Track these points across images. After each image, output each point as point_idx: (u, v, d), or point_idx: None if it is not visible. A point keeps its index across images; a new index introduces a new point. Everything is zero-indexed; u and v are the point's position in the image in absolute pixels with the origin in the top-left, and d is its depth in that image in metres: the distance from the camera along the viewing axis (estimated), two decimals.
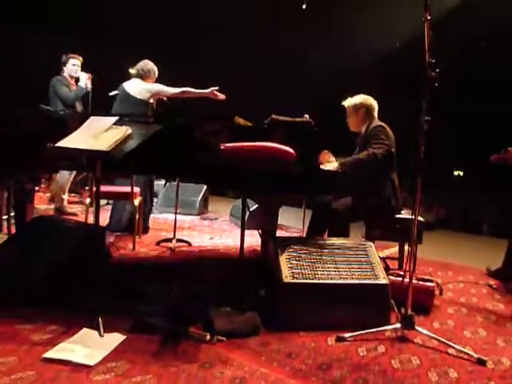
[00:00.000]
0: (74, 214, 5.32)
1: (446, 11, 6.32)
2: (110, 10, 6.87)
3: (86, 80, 4.96)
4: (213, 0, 6.79)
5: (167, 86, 4.45)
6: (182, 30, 7.02)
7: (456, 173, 7.80)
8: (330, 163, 3.13)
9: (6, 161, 2.82)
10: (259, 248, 3.22)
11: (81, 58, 5.12)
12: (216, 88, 4.28)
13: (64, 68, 5.07)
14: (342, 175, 3.02)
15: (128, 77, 4.72)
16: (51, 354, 1.94)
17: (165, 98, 4.51)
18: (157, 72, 4.60)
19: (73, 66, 5.05)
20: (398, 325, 2.35)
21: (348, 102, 3.51)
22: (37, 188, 5.67)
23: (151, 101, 4.52)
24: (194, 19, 7.04)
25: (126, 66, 4.73)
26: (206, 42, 6.99)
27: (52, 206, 5.53)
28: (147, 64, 4.56)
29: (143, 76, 4.52)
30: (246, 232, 2.71)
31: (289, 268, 2.49)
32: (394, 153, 3.29)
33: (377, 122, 3.37)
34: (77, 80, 5.06)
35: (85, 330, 2.18)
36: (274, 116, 2.93)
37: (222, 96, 4.30)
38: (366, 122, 3.44)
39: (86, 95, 5.12)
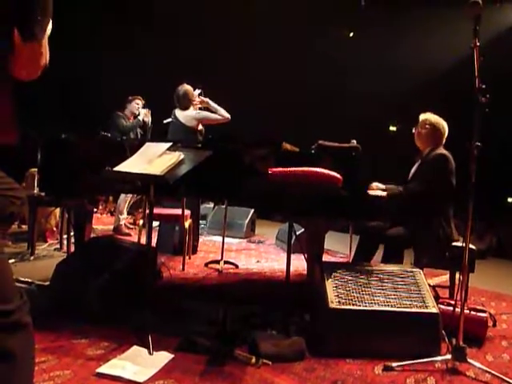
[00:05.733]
0: (128, 235, 5.52)
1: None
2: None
3: (143, 114, 5.53)
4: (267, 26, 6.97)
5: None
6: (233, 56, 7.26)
7: (510, 199, 7.44)
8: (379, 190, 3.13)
9: (68, 183, 3.02)
10: (305, 272, 3.21)
11: (142, 100, 5.77)
12: None
13: (127, 105, 5.71)
14: (391, 203, 3.01)
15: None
16: (104, 369, 2.03)
17: None
18: (193, 93, 4.66)
19: (136, 104, 5.70)
20: (449, 356, 2.27)
21: (422, 116, 3.40)
22: (95, 209, 5.97)
23: (200, 127, 4.67)
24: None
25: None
26: (256, 68, 7.15)
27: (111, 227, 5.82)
28: (180, 89, 4.63)
29: (183, 104, 4.61)
30: (292, 256, 2.72)
31: (335, 293, 2.47)
32: (454, 184, 3.18)
33: (441, 150, 3.26)
34: (136, 117, 5.64)
35: (135, 348, 2.26)
36: (321, 141, 2.97)
37: None
38: (430, 144, 3.32)
39: (145, 127, 5.65)
